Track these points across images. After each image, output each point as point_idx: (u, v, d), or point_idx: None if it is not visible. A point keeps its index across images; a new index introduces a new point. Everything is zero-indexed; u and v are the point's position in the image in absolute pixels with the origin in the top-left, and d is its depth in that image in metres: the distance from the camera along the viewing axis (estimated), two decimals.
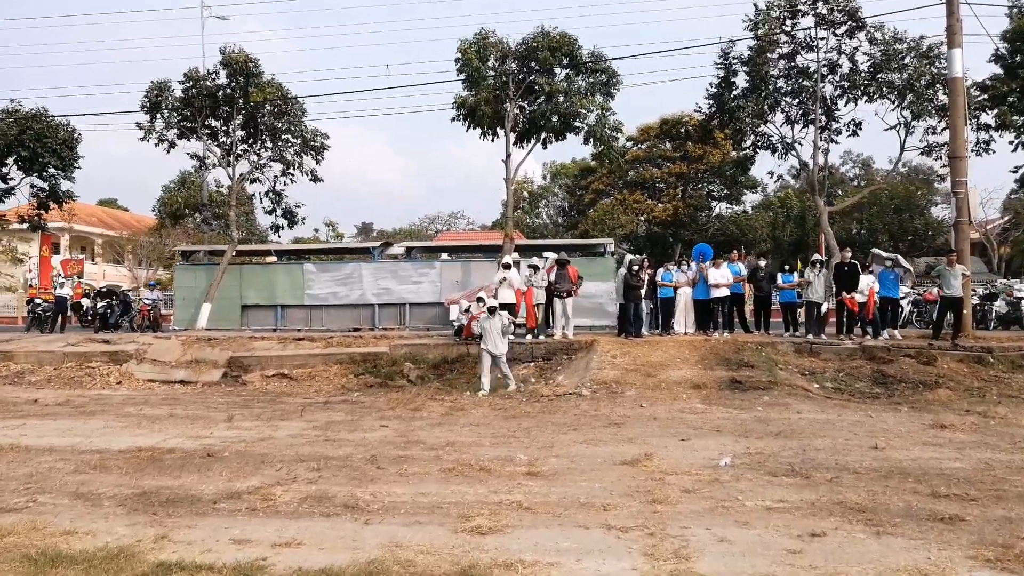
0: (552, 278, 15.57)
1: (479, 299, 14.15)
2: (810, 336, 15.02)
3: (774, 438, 9.03)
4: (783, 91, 20.35)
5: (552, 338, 15.58)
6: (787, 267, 17.42)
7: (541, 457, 8.02)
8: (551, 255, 16.27)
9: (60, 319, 21.95)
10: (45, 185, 23.88)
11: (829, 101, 20.17)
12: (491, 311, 13.19)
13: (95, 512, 6.23)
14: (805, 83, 19.98)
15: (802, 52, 19.94)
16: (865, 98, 19.65)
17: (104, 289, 25.45)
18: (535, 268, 15.77)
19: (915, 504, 6.18)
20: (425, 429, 9.92)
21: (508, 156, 20.85)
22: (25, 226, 25.83)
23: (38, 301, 23.01)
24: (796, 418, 10.37)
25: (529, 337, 15.63)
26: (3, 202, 24.37)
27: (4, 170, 23.32)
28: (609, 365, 13.61)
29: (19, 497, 6.68)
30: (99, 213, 53.24)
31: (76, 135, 23.86)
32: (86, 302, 23.50)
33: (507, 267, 15.57)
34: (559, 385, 13.30)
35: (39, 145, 22.69)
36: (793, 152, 20.90)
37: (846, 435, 9.14)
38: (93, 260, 48.27)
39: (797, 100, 20.39)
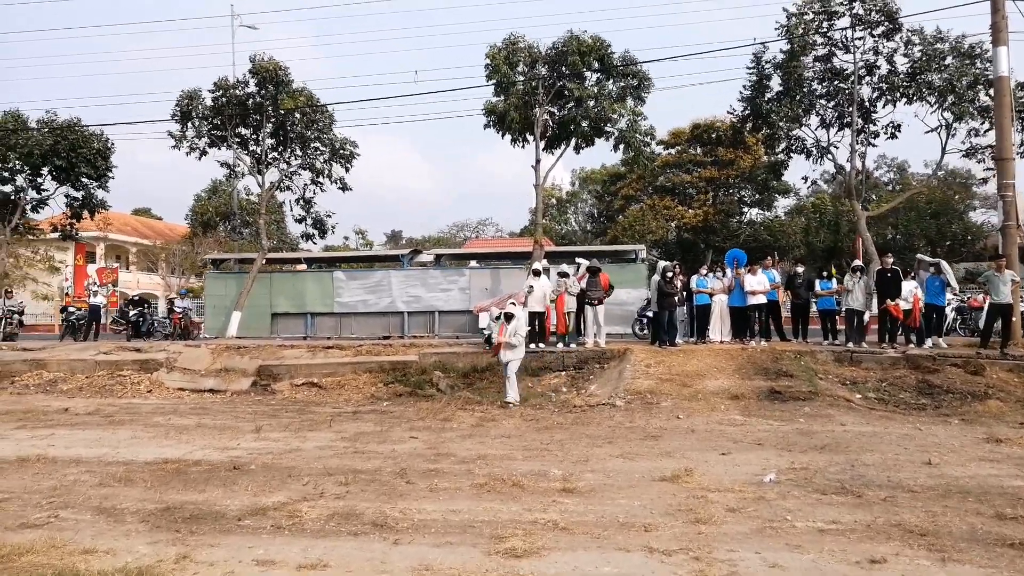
0: (584, 285, 15.27)
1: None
2: (850, 344, 14.53)
3: (819, 452, 8.63)
4: (818, 94, 19.81)
5: (584, 347, 15.26)
6: (825, 273, 16.92)
7: (576, 472, 7.71)
8: (583, 262, 15.95)
9: (94, 327, 22.09)
10: (79, 195, 24.07)
11: (867, 103, 19.59)
12: (507, 317, 12.90)
13: (117, 529, 6.04)
14: (841, 85, 19.43)
15: (838, 53, 19.41)
16: (904, 100, 19.05)
17: (136, 297, 25.60)
18: (565, 275, 15.45)
19: (979, 527, 5.77)
20: (455, 441, 9.66)
21: (538, 162, 20.61)
22: (57, 235, 26.05)
23: (72, 309, 23.26)
24: (841, 431, 9.94)
25: (560, 345, 15.32)
26: (38, 212, 24.64)
27: (39, 180, 23.57)
28: (643, 375, 13.26)
29: (41, 512, 6.52)
30: (133, 222, 54.06)
31: (110, 145, 24.05)
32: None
33: (537, 274, 15.28)
34: (592, 395, 12.98)
35: (73, 155, 22.87)
36: (828, 156, 20.33)
37: (896, 449, 8.71)
38: (128, 269, 48.96)
39: (833, 103, 19.84)
